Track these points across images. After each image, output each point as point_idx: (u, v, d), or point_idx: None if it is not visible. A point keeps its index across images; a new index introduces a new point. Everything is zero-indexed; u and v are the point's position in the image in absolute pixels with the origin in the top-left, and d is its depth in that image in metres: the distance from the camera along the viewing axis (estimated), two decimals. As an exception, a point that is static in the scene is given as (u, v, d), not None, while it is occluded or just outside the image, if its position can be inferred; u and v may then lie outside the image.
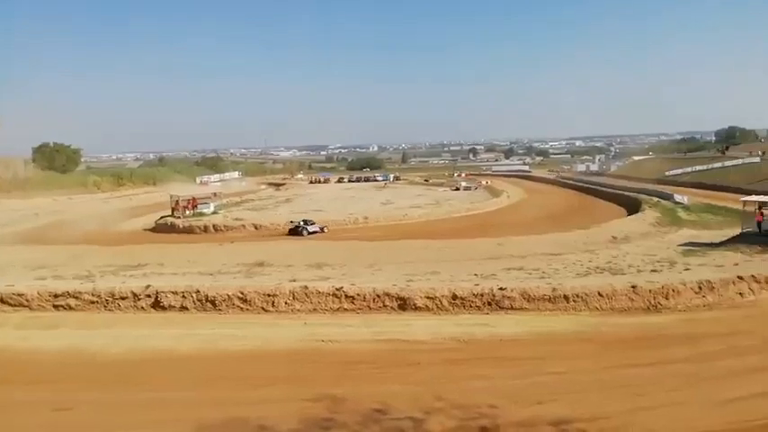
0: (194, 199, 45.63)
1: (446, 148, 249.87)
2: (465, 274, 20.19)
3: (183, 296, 18.74)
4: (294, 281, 19.48)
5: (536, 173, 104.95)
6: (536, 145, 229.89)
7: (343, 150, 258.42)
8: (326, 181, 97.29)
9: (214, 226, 39.30)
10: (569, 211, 48.62)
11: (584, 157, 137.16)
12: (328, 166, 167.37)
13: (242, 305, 18.42)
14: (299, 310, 18.08)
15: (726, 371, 12.63)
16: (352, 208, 48.83)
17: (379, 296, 18.02)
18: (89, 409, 11.91)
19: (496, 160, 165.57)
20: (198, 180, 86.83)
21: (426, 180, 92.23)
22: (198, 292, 18.74)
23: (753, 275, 18.60)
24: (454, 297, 17.78)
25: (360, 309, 17.93)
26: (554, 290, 17.76)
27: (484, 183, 77.81)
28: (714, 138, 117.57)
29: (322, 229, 36.84)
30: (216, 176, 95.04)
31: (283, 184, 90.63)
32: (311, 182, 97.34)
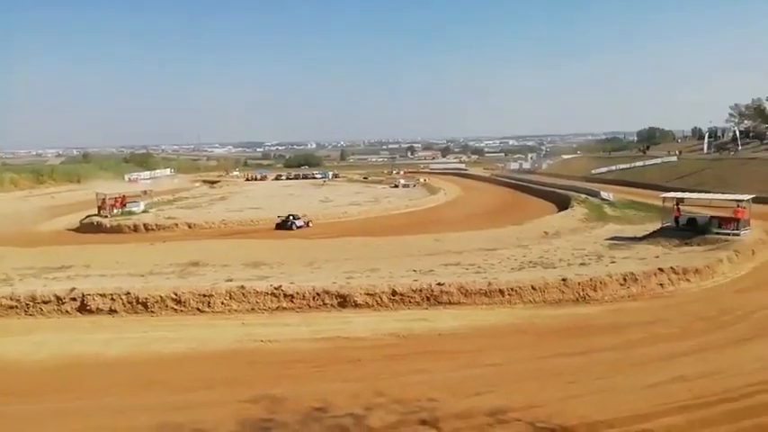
0: (123, 197, 43.55)
1: (384, 146, 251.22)
2: (404, 270, 20.39)
3: (112, 298, 17.83)
4: (231, 280, 18.99)
5: (472, 171, 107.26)
6: (471, 143, 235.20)
7: (280, 147, 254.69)
8: (263, 178, 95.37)
9: (144, 225, 37.67)
10: (503, 207, 50.08)
11: (517, 155, 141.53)
12: (265, 163, 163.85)
13: (176, 306, 17.75)
14: (236, 311, 17.63)
15: (648, 357, 13.40)
16: (290, 206, 48.05)
17: (318, 294, 17.87)
18: (9, 421, 11.13)
19: (434, 158, 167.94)
20: (126, 177, 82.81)
21: (365, 177, 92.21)
22: (128, 293, 17.90)
23: (672, 267, 19.84)
24: (394, 293, 17.90)
25: (299, 307, 17.70)
26: (490, 284, 18.24)
27: (422, 180, 78.79)
28: (636, 138, 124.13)
29: (307, 224, 37.87)
30: (146, 174, 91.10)
31: (218, 182, 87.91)
32: (247, 179, 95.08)
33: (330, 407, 11.10)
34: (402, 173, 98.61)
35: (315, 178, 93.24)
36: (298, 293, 17.87)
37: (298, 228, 36.87)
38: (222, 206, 50.06)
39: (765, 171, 47.63)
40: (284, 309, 17.64)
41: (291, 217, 37.98)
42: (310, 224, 38.05)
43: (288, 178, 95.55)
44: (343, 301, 17.73)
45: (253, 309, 17.68)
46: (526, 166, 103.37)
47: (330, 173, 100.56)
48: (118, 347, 15.01)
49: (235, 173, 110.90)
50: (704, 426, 10.04)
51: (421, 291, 18.01)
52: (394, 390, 11.73)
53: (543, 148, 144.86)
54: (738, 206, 25.46)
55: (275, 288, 18.01)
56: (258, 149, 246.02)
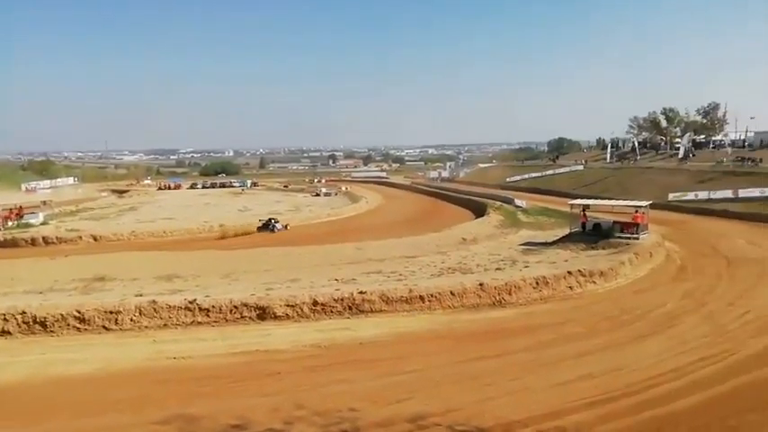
0: (19, 208, 40.30)
1: (306, 154, 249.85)
2: (326, 279, 20.22)
3: (5, 319, 16.31)
4: (141, 295, 17.98)
5: (393, 179, 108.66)
6: (392, 152, 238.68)
7: (195, 155, 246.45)
8: (177, 187, 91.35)
9: (44, 238, 34.87)
10: (423, 214, 51.02)
11: (437, 164, 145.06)
12: (179, 171, 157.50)
13: (79, 325, 16.52)
14: (146, 327, 16.67)
15: (558, 357, 14.05)
16: (206, 215, 46.50)
17: (236, 307, 17.28)
18: None
19: (355, 166, 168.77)
20: (23, 187, 76.60)
21: (286, 186, 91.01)
22: (23, 313, 16.44)
23: (579, 270, 21.01)
24: (315, 303, 17.66)
25: (215, 321, 17.02)
26: (410, 291, 18.45)
27: (344, 188, 78.82)
28: (546, 148, 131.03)
29: (285, 227, 40.13)
30: (46, 183, 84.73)
31: (127, 191, 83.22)
32: (160, 188, 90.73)
33: (248, 423, 10.72)
34: (324, 181, 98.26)
35: (233, 187, 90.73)
36: (214, 307, 17.20)
37: (278, 230, 39.04)
38: (132, 217, 47.45)
39: (660, 179, 51.81)
40: (199, 323, 16.90)
41: (272, 220, 40.21)
42: (288, 227, 40.18)
43: (204, 187, 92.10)
44: (263, 314, 17.26)
45: (165, 324, 16.79)
46: (445, 174, 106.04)
47: (249, 181, 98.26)
48: (12, 371, 13.74)
49: (146, 181, 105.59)
50: (609, 419, 10.64)
51: (342, 300, 17.90)
52: (315, 401, 11.54)
53: (461, 157, 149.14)
54: (637, 212, 27.44)
55: (189, 302, 17.22)
56: (172, 157, 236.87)
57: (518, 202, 49.05)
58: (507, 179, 77.94)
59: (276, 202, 60.99)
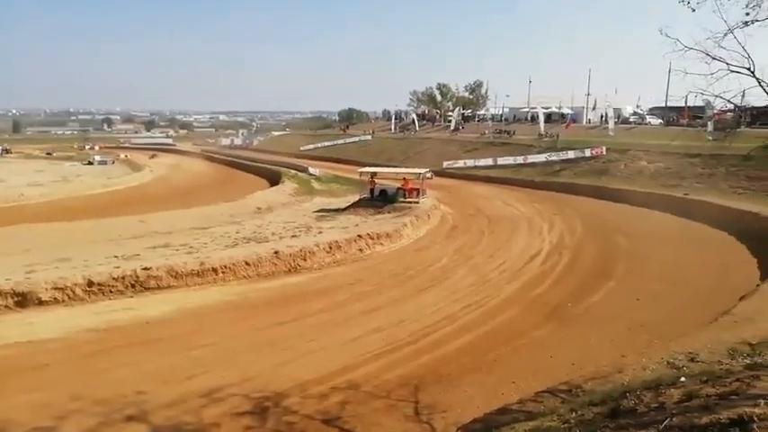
0: None
1: (73, 117, 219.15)
2: (103, 257, 18.17)
3: None
4: None
5: (181, 146, 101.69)
6: (179, 117, 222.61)
7: None
8: None
9: None
10: (215, 184, 49.00)
11: (229, 131, 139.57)
12: None
13: None
14: None
15: (351, 315, 14.90)
16: (-61, 189, 38.12)
17: (-15, 296, 14.58)
18: None
19: (136, 132, 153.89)
20: None
21: (49, 153, 79.22)
22: None
23: (368, 233, 22.34)
24: (90, 284, 15.77)
25: (-42, 314, 14.18)
26: (202, 264, 17.64)
27: (122, 156, 71.54)
28: (337, 117, 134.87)
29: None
30: None
31: None
32: None
33: (9, 426, 9.24)
34: (97, 148, 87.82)
35: (-25, 154, 75.77)
36: (-46, 298, 14.28)
37: None
38: None
39: (437, 149, 57.24)
40: (-66, 319, 13.90)
41: None
42: None
43: (-68, 155, 75.17)
44: (23, 300, 14.85)
45: None
46: (238, 141, 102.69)
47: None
48: None
49: None
50: (394, 367, 11.66)
51: (124, 278, 16.30)
52: (94, 390, 10.41)
53: (254, 124, 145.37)
54: (404, 178, 30.64)
55: None
56: None
57: (312, 170, 49.91)
58: (301, 147, 78.37)
59: (37, 171, 52.72)
